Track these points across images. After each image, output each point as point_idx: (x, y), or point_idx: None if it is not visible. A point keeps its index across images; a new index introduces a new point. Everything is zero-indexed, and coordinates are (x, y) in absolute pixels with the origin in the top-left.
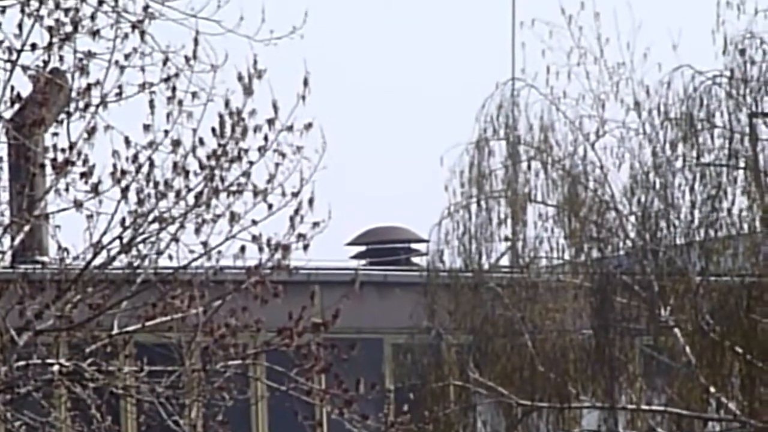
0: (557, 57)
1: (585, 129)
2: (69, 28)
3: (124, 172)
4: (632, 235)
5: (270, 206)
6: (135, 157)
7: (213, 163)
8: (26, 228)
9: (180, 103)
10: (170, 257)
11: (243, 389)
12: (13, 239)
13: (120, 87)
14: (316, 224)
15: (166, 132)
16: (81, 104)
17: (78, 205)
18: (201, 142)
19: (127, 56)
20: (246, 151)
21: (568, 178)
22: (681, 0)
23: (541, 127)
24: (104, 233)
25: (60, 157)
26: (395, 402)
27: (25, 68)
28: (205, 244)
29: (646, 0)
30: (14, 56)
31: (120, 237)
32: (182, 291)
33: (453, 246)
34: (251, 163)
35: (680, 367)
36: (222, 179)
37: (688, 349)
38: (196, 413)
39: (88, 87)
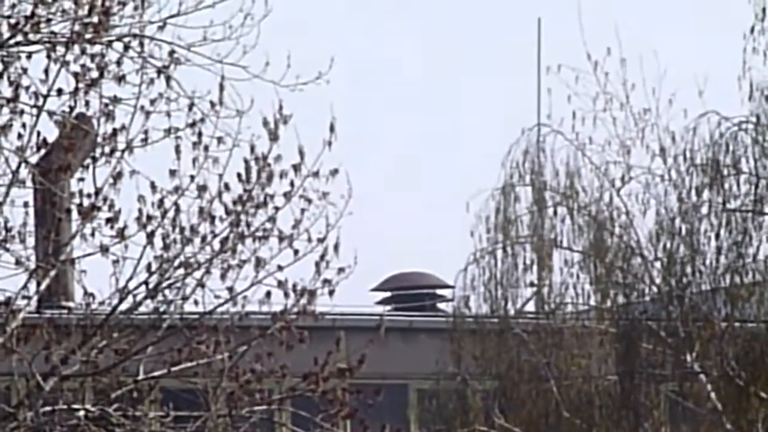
0: (583, 102)
1: (611, 175)
2: (95, 74)
3: (149, 218)
4: (658, 280)
5: (296, 252)
6: (161, 203)
7: (239, 208)
8: (52, 273)
9: (206, 148)
10: (196, 303)
11: None
12: (39, 284)
13: (146, 132)
14: (341, 270)
15: (192, 177)
16: (107, 149)
17: (104, 250)
18: (227, 187)
19: (152, 101)
20: (272, 196)
21: (593, 224)
22: (706, 46)
23: (567, 172)
24: (130, 278)
25: (86, 203)
26: None
27: (51, 113)
28: (230, 289)
29: (672, 46)
30: (40, 101)
31: (146, 282)
32: (208, 336)
33: (479, 292)
34: (277, 209)
35: (706, 413)
36: (248, 225)
37: (713, 395)
38: None
39: (114, 132)
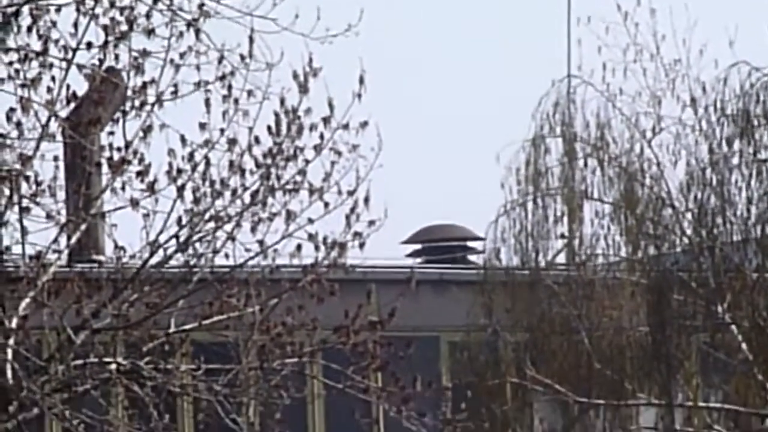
0: (613, 54)
1: (641, 126)
2: (124, 27)
3: (180, 171)
4: (689, 232)
5: (326, 205)
6: (191, 156)
7: (269, 161)
8: (83, 227)
9: (236, 101)
10: (227, 256)
11: (300, 387)
12: (69, 238)
13: (175, 86)
14: (371, 222)
15: (222, 130)
16: (137, 103)
17: (134, 203)
18: (257, 140)
19: (182, 55)
20: (302, 149)
21: (624, 176)
22: None
23: (597, 124)
24: (161, 232)
25: (116, 156)
26: (452, 400)
27: (80, 67)
28: (261, 242)
29: None
30: (70, 55)
31: (176, 236)
32: (239, 290)
33: (509, 244)
34: (307, 162)
35: (737, 363)
36: (278, 178)
37: (745, 345)
38: (253, 411)
39: (144, 85)
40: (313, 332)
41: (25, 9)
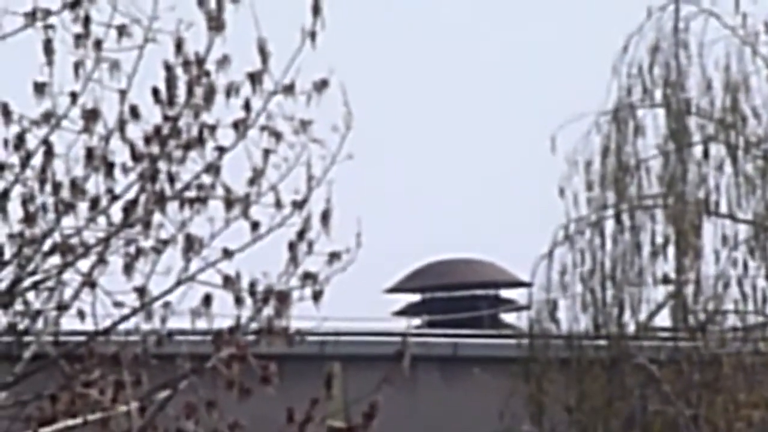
0: None
1: None
2: None
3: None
4: None
5: (254, 226)
6: (20, 140)
7: (155, 149)
8: None
9: (98, 44)
10: (81, 315)
11: None
12: None
13: None
14: (334, 256)
15: (73, 95)
16: None
17: None
18: (134, 113)
19: None
20: (212, 128)
21: None
22: None
23: (726, 84)
24: None
25: None
26: None
27: None
28: (141, 291)
29: None
30: None
31: None
32: (102, 373)
33: (572, 293)
34: (221, 150)
35: None
36: (171, 178)
37: None
38: None
39: None
40: None
41: None
